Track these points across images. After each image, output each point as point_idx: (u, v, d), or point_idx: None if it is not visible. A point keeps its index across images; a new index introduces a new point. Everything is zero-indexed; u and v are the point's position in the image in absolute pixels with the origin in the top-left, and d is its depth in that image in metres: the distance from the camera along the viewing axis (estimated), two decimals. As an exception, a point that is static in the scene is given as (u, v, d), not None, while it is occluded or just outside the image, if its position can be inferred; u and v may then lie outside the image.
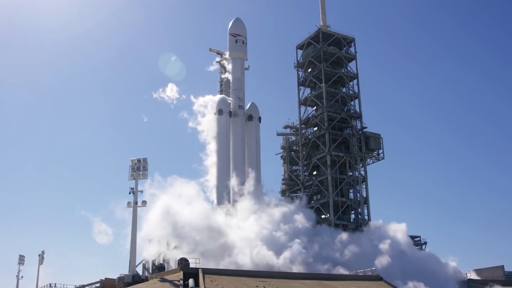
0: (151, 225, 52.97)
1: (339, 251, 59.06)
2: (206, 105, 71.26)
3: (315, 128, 76.57)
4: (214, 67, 78.66)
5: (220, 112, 69.34)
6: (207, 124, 70.34)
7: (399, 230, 65.20)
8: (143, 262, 54.96)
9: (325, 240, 60.83)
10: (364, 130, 75.55)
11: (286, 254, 52.90)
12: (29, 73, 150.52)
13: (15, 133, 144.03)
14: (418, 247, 70.98)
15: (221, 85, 78.22)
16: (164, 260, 53.11)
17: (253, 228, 56.52)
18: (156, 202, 54.51)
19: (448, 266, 64.14)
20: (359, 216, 71.97)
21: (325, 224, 67.46)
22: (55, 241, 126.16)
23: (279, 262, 51.99)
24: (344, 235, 62.56)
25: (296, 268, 50.76)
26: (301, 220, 60.76)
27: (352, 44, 79.58)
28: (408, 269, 55.63)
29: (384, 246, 60.29)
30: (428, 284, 52.96)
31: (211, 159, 69.22)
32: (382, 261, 56.56)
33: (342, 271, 51.84)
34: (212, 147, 69.41)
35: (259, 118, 72.73)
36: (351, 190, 73.90)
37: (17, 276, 65.55)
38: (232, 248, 53.99)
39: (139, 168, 47.18)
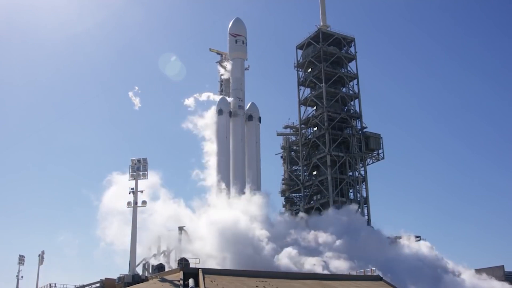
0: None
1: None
2: (206, 105, 71.35)
3: (315, 128, 76.59)
4: (214, 67, 78.84)
5: (220, 112, 69.34)
6: (207, 124, 70.36)
7: (350, 211, 67.01)
8: (143, 262, 54.99)
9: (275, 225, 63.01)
10: (364, 130, 75.61)
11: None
12: (29, 73, 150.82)
13: (15, 133, 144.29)
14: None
15: (221, 85, 78.24)
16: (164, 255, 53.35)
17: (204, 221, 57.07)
18: None
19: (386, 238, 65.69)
20: (359, 216, 71.99)
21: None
22: (55, 241, 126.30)
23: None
24: (284, 218, 65.94)
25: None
26: (255, 209, 61.22)
27: (352, 44, 79.65)
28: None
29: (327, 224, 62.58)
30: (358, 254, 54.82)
31: (211, 159, 69.24)
32: (303, 235, 59.31)
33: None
34: (212, 147, 69.43)
35: (259, 118, 72.68)
36: (351, 190, 73.99)
37: (17, 276, 65.51)
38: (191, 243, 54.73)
39: (139, 168, 47.14)
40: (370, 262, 51.79)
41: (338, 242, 58.06)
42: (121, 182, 51.79)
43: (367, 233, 63.64)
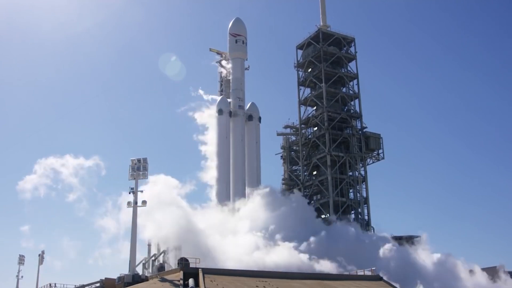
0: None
1: None
2: (206, 105, 71.42)
3: (315, 128, 76.55)
4: (214, 67, 78.88)
5: (220, 112, 69.44)
6: (207, 124, 70.49)
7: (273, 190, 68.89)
8: (143, 262, 54.96)
9: None
10: (364, 130, 75.55)
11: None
12: (29, 73, 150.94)
13: (15, 133, 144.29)
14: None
15: (221, 85, 78.26)
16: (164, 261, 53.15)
17: None
18: None
19: None
20: (359, 216, 72.00)
21: None
22: (55, 241, 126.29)
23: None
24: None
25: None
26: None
27: (352, 44, 79.60)
28: None
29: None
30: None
31: (211, 159, 69.29)
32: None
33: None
34: (212, 147, 69.45)
35: (259, 118, 72.75)
36: (351, 190, 73.91)
37: (17, 276, 65.54)
38: None
39: (139, 168, 47.13)
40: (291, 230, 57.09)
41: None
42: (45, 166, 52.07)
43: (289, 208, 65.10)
